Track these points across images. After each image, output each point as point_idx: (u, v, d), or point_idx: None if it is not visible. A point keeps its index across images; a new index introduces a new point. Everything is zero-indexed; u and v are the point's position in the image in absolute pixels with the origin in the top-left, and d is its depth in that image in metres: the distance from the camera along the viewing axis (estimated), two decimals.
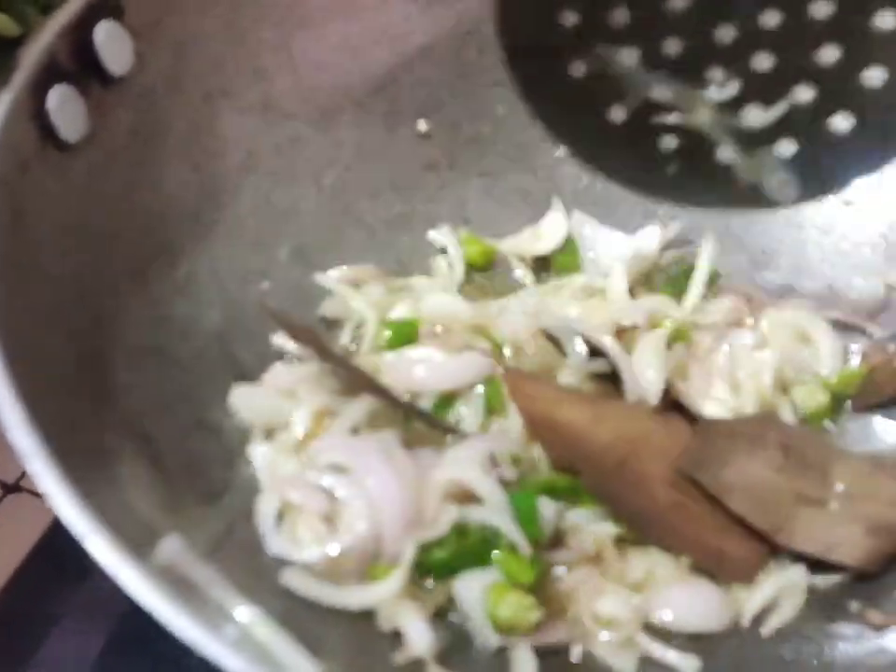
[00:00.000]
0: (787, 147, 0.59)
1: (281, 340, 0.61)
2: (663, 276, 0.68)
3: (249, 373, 0.59)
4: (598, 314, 0.62)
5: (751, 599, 0.53)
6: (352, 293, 0.65)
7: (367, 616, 0.50)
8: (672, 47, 0.59)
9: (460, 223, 0.71)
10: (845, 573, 0.54)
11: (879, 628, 0.52)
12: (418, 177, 0.70)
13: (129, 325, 0.54)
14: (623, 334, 0.62)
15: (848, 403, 0.63)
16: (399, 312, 0.65)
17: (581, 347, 0.58)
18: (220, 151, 0.62)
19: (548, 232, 0.70)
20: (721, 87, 0.58)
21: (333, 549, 0.51)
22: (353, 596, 0.50)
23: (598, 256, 0.68)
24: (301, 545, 0.51)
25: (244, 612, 0.42)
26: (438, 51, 0.70)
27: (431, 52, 0.70)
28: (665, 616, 0.53)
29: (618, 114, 0.60)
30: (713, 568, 0.54)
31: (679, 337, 0.62)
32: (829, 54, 0.57)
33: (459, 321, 0.64)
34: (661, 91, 0.59)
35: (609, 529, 0.55)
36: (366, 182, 0.69)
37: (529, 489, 0.54)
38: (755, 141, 0.59)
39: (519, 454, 0.55)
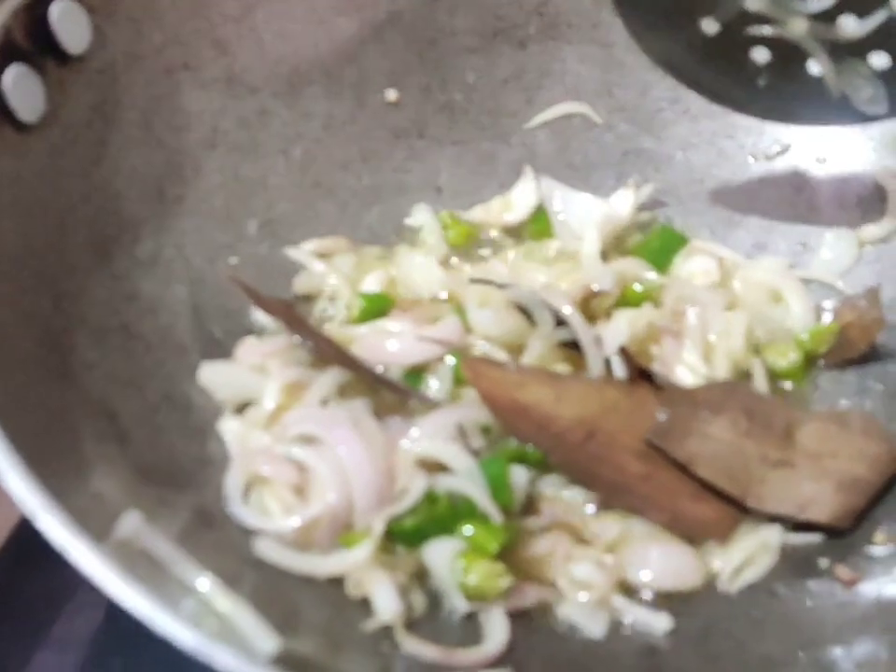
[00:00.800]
0: (880, 60, 0.57)
1: (255, 314, 0.61)
2: (635, 239, 0.68)
3: (219, 349, 0.59)
4: (568, 279, 0.62)
5: (726, 560, 0.53)
6: (324, 266, 0.64)
7: (339, 584, 0.50)
8: None
9: (432, 193, 0.70)
10: (818, 532, 0.54)
11: (848, 584, 0.52)
12: (388, 147, 0.69)
13: (92, 304, 0.54)
14: (594, 299, 0.62)
15: (822, 361, 0.63)
16: (372, 282, 0.64)
17: (549, 317, 0.58)
18: (184, 126, 0.62)
19: (518, 202, 0.69)
20: None
21: (304, 518, 0.51)
22: (323, 564, 0.50)
23: (570, 219, 0.68)
24: (271, 516, 0.51)
25: (205, 584, 0.42)
26: (406, 18, 0.69)
27: (400, 19, 0.69)
28: (640, 576, 0.53)
29: (710, 26, 0.58)
30: (689, 533, 0.54)
31: (648, 298, 0.62)
32: None
33: (432, 290, 0.63)
34: (755, 2, 0.57)
35: (580, 494, 0.55)
36: (335, 154, 0.68)
37: (500, 457, 0.54)
38: (849, 53, 0.57)
39: (488, 423, 0.55)
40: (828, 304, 0.64)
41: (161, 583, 0.40)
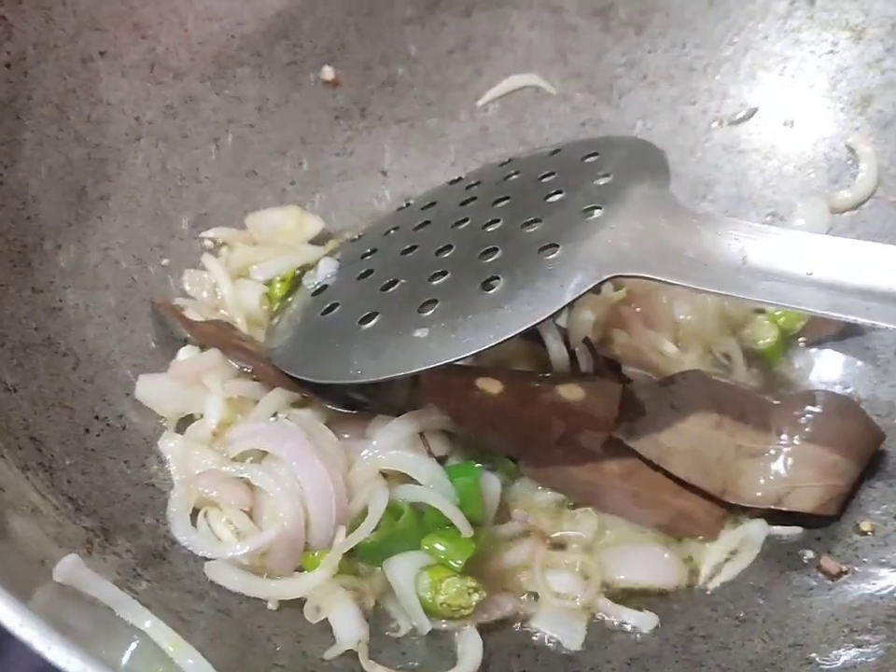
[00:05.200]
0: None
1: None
2: None
3: (154, 360, 0.55)
4: None
5: (707, 558, 0.51)
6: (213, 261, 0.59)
7: (297, 609, 0.47)
8: None
9: (377, 176, 0.66)
10: (803, 523, 0.51)
11: (835, 577, 0.49)
12: (328, 129, 0.65)
13: (11, 320, 0.49)
14: None
15: (800, 340, 0.59)
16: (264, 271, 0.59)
17: None
18: (104, 119, 0.57)
19: None
20: None
21: (257, 545, 0.47)
22: (280, 587, 0.47)
23: None
24: (222, 543, 0.48)
25: (151, 626, 0.38)
26: None
27: None
28: (619, 577, 0.51)
29: None
30: (678, 529, 0.52)
31: None
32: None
33: None
34: None
35: (553, 497, 0.52)
36: (271, 139, 0.64)
37: (469, 464, 0.51)
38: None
39: (451, 429, 0.51)
40: None
41: (104, 632, 0.36)
